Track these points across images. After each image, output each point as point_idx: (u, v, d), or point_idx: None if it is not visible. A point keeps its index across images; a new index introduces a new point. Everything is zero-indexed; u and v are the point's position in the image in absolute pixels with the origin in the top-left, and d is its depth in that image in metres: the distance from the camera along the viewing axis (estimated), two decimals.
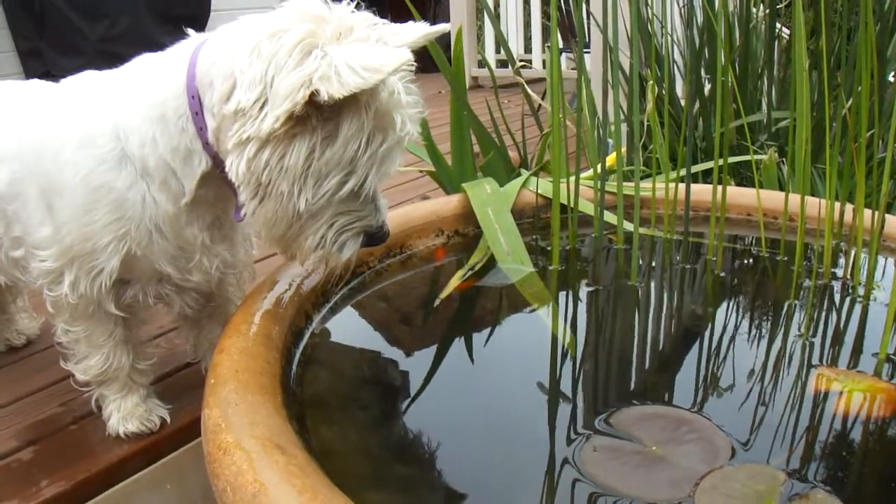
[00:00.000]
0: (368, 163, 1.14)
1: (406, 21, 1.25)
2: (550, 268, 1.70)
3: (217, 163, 1.20)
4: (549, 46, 1.71)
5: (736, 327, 1.48)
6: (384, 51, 1.06)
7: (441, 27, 1.23)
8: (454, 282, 1.61)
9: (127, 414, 1.44)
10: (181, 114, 1.18)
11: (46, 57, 4.77)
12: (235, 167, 1.11)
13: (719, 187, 1.70)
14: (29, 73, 4.76)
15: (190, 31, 1.25)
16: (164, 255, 1.29)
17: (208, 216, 1.30)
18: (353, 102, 1.06)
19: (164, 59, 1.23)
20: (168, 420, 1.48)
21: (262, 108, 1.06)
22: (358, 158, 1.12)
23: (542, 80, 4.46)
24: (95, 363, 1.39)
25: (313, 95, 1.03)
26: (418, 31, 1.18)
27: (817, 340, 1.39)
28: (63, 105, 1.30)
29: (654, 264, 1.78)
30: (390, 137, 1.14)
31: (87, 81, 1.32)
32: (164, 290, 1.37)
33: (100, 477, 1.39)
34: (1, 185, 1.31)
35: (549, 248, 1.78)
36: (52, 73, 4.45)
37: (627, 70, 2.47)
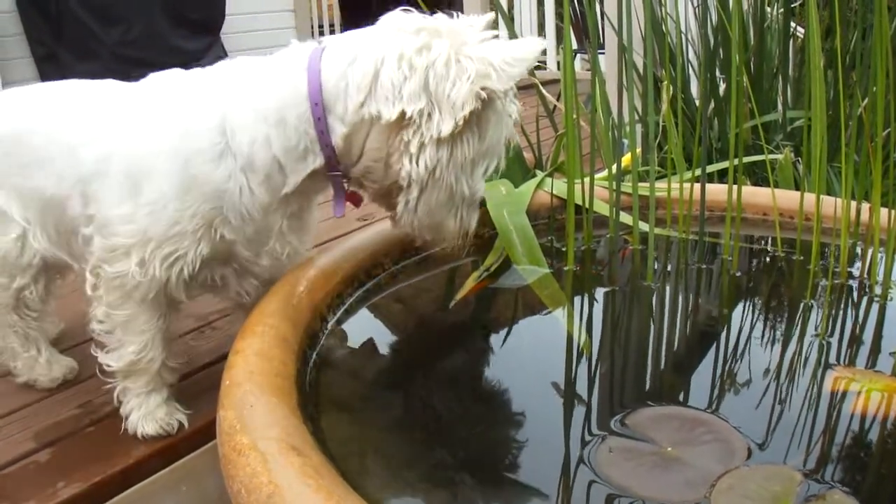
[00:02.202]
0: (505, 142, 1.33)
1: None
2: (566, 269, 1.70)
3: (328, 161, 1.32)
4: (562, 48, 1.71)
5: (752, 327, 1.47)
6: (523, 41, 1.24)
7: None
8: (469, 283, 1.61)
9: (147, 413, 1.45)
10: (304, 119, 1.29)
11: (62, 62, 4.79)
12: (413, 168, 1.25)
13: (735, 187, 1.69)
14: (45, 79, 4.77)
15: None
16: (244, 238, 1.37)
17: (294, 205, 1.40)
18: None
19: (278, 66, 1.34)
20: (186, 423, 1.49)
21: (429, 115, 1.22)
22: (504, 140, 1.32)
23: (556, 81, 4.45)
24: (131, 351, 1.41)
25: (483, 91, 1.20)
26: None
27: (834, 340, 1.38)
28: (159, 97, 1.39)
29: (669, 265, 1.77)
30: (515, 114, 1.30)
31: (180, 79, 1.41)
32: (226, 271, 1.43)
33: (116, 479, 1.40)
34: (87, 165, 1.36)
35: (564, 250, 1.77)
36: (67, 78, 4.47)
37: (642, 70, 2.47)
